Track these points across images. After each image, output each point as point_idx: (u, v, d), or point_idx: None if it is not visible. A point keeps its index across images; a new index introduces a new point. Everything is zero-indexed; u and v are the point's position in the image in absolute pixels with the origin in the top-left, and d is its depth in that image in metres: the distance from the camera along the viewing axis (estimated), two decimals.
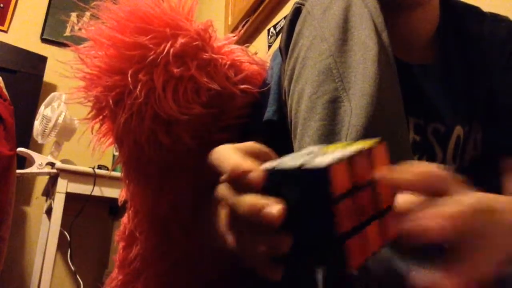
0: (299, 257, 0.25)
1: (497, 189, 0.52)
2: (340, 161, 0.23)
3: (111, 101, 0.48)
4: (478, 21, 0.57)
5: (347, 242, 0.23)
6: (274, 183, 0.25)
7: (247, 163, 0.26)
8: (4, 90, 1.22)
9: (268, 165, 0.26)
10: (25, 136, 2.06)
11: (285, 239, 0.24)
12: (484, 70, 0.54)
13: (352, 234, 0.23)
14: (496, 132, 0.53)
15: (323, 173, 0.22)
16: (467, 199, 0.25)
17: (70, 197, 1.74)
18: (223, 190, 0.28)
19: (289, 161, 0.25)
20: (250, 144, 0.31)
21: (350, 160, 0.23)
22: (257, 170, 0.25)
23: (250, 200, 0.25)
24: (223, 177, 0.27)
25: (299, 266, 0.27)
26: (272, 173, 0.25)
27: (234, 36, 0.57)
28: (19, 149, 1.63)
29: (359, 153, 0.24)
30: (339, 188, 0.22)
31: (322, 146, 0.29)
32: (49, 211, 1.85)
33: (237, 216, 0.26)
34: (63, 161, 1.90)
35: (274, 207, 0.24)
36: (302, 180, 0.23)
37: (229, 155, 0.28)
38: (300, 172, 0.23)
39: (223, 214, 0.30)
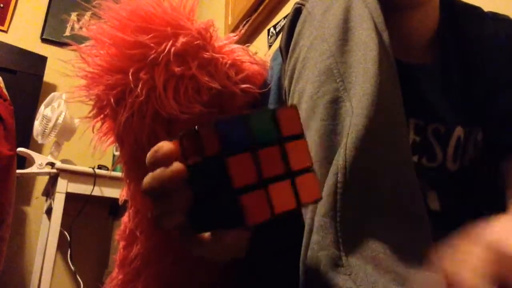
0: (201, 215, 0.26)
1: (498, 190, 0.52)
2: (241, 117, 0.24)
3: (112, 100, 0.48)
4: (478, 20, 0.57)
5: (242, 198, 0.23)
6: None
7: (157, 145, 0.28)
8: (4, 90, 1.22)
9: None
10: (25, 136, 2.06)
11: (185, 193, 0.27)
12: (484, 70, 0.54)
13: (249, 190, 0.23)
14: (496, 132, 0.53)
15: (212, 127, 0.23)
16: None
17: (70, 197, 1.74)
18: (148, 177, 0.29)
19: None
20: None
21: (246, 118, 0.24)
22: (164, 144, 0.28)
23: (158, 170, 0.27)
24: (149, 162, 0.29)
25: (203, 224, 0.28)
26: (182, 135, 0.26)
27: (235, 36, 0.57)
28: (19, 149, 1.63)
29: (259, 112, 0.25)
30: (234, 143, 0.23)
31: None
32: (49, 211, 1.85)
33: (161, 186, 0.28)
34: (63, 161, 1.90)
35: (175, 164, 0.27)
36: (199, 138, 0.24)
37: (156, 147, 0.29)
38: (196, 129, 0.24)
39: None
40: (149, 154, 0.29)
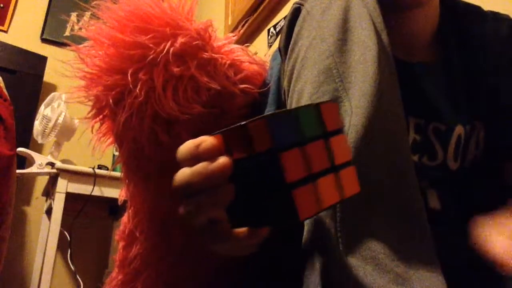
0: (244, 210, 0.26)
1: (498, 189, 0.52)
2: (286, 112, 0.24)
3: (111, 101, 0.48)
4: (479, 20, 0.57)
5: (294, 192, 0.23)
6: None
7: (199, 138, 0.27)
8: (4, 90, 1.22)
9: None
10: (25, 136, 2.06)
11: (228, 189, 0.26)
12: (485, 69, 0.54)
13: (300, 185, 0.24)
14: (498, 131, 0.53)
15: (264, 122, 0.23)
16: None
17: (70, 197, 1.74)
18: (183, 173, 0.28)
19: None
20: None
21: (297, 114, 0.24)
22: (206, 140, 0.27)
23: (201, 164, 0.26)
24: (186, 158, 0.28)
25: (245, 220, 0.28)
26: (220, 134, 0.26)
27: (234, 36, 0.57)
28: (19, 149, 1.63)
29: (306, 107, 0.25)
30: (283, 137, 0.23)
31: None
32: (49, 211, 1.85)
33: (192, 189, 0.27)
34: (63, 161, 1.90)
35: (221, 159, 0.26)
36: (247, 135, 0.24)
37: (188, 143, 0.28)
38: (245, 126, 0.24)
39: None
40: (186, 148, 0.27)
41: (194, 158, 0.27)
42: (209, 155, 0.26)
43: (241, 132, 0.24)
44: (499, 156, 0.53)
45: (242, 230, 0.29)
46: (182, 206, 0.29)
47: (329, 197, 0.25)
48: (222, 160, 0.26)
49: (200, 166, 0.26)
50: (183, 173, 0.28)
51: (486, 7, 0.59)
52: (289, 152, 0.24)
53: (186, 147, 0.27)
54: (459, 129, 0.52)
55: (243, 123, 0.24)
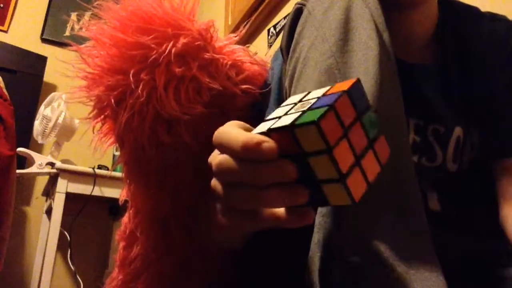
0: (311, 200, 0.27)
1: (494, 193, 0.52)
2: (327, 112, 0.25)
3: (113, 101, 0.48)
4: (476, 21, 0.57)
5: (348, 181, 0.25)
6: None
7: (257, 136, 0.27)
8: (4, 90, 1.22)
9: (260, 128, 0.28)
10: (25, 136, 2.06)
11: (303, 191, 0.26)
12: (483, 70, 0.54)
13: (351, 172, 0.26)
14: (493, 133, 0.54)
15: (316, 127, 0.24)
16: None
17: (70, 197, 1.74)
18: (232, 164, 0.28)
19: (279, 120, 0.27)
20: (242, 123, 0.32)
21: (335, 109, 0.25)
22: (269, 140, 0.26)
23: (270, 166, 0.26)
24: (235, 151, 0.27)
25: (311, 206, 0.29)
26: (269, 134, 0.27)
27: (235, 36, 0.57)
28: (19, 149, 1.63)
29: (341, 97, 0.26)
30: (333, 137, 0.25)
31: (302, 95, 0.30)
32: (49, 211, 1.85)
33: (254, 183, 0.27)
34: (63, 161, 1.90)
35: (289, 166, 0.26)
36: (300, 135, 0.25)
37: (237, 132, 0.28)
38: (295, 128, 0.25)
39: (221, 189, 0.30)
40: (242, 139, 0.26)
41: (251, 153, 0.26)
42: (270, 157, 0.26)
43: (289, 134, 0.26)
44: (493, 158, 0.53)
45: (282, 212, 0.29)
46: (228, 190, 0.29)
47: (372, 171, 0.27)
48: (291, 167, 0.26)
49: (268, 168, 0.26)
50: (232, 164, 0.27)
51: (486, 7, 0.60)
52: (340, 146, 0.25)
53: (238, 138, 0.27)
54: (458, 131, 0.52)
55: (290, 126, 0.25)
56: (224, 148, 0.28)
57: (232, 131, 0.28)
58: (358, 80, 0.28)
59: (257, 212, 0.29)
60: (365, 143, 0.27)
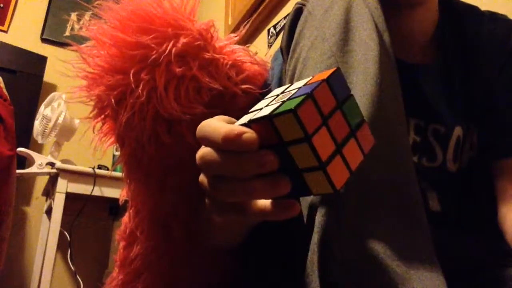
0: (294, 190, 0.27)
1: (493, 193, 0.52)
2: (304, 100, 0.25)
3: (113, 100, 0.48)
4: (477, 21, 0.57)
5: (328, 168, 0.25)
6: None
7: (238, 128, 0.27)
8: (4, 90, 1.22)
9: (242, 120, 0.28)
10: (25, 136, 2.06)
11: (285, 181, 0.27)
12: (483, 70, 0.54)
13: (331, 159, 0.26)
14: (493, 133, 0.54)
15: (293, 115, 0.24)
16: None
17: (70, 197, 1.74)
18: (214, 157, 0.28)
19: (260, 112, 0.28)
20: (227, 117, 0.32)
21: (313, 97, 0.26)
22: (249, 131, 0.27)
23: (251, 157, 0.27)
24: (217, 143, 0.28)
25: (294, 197, 0.29)
26: (250, 125, 0.27)
27: (235, 36, 0.57)
28: (19, 149, 1.63)
29: (319, 86, 0.26)
30: (311, 125, 0.25)
31: (285, 87, 0.31)
32: (49, 211, 1.85)
33: (236, 175, 0.28)
34: (63, 161, 1.90)
35: (270, 156, 0.26)
36: (278, 125, 0.26)
37: (219, 124, 0.28)
38: (273, 118, 0.26)
39: (206, 180, 0.30)
40: (221, 130, 0.27)
41: (232, 145, 0.27)
42: (250, 148, 0.26)
43: (267, 124, 0.26)
44: (488, 156, 0.53)
45: (267, 204, 0.29)
46: (213, 184, 0.29)
47: (355, 159, 0.28)
48: (271, 157, 0.26)
49: (249, 158, 0.27)
50: (214, 156, 0.28)
51: (486, 7, 0.60)
52: (319, 134, 0.25)
53: (218, 130, 0.27)
54: (458, 131, 0.52)
55: (268, 116, 0.26)
56: (206, 141, 0.29)
57: (214, 124, 0.29)
58: (338, 69, 0.28)
59: (243, 205, 0.30)
60: (346, 131, 0.27)
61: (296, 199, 0.30)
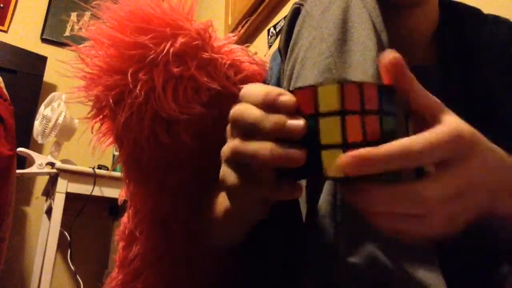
0: (306, 168, 0.28)
1: None
2: (353, 83, 0.26)
3: (111, 101, 0.48)
4: (478, 22, 0.57)
5: (349, 152, 0.26)
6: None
7: (279, 89, 0.28)
8: (4, 90, 1.22)
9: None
10: (25, 136, 2.06)
11: (302, 151, 0.27)
12: (483, 71, 0.54)
13: (354, 147, 0.26)
14: (494, 135, 0.53)
15: (339, 87, 0.26)
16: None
17: (70, 197, 1.74)
18: (251, 108, 0.29)
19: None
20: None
21: (361, 85, 0.27)
22: (289, 94, 0.27)
23: (277, 116, 0.27)
24: (257, 100, 0.29)
25: (305, 176, 0.30)
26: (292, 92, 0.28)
27: (234, 36, 0.57)
28: (19, 149, 1.63)
29: (370, 84, 0.28)
30: (350, 104, 0.26)
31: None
32: (49, 211, 1.86)
33: (267, 130, 0.28)
34: (63, 161, 1.91)
35: (298, 120, 0.27)
36: (321, 94, 0.27)
37: (261, 86, 0.29)
38: (318, 87, 0.27)
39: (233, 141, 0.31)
40: (261, 91, 0.28)
41: (269, 105, 0.28)
42: (286, 110, 0.27)
43: (315, 93, 0.27)
44: None
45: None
46: (243, 138, 0.29)
47: None
48: (302, 122, 0.27)
49: (279, 118, 0.27)
50: (251, 111, 0.28)
51: (486, 7, 0.59)
52: (354, 117, 0.26)
53: (261, 90, 0.29)
54: None
55: (314, 85, 0.27)
56: (247, 98, 0.30)
57: (258, 85, 0.30)
58: (394, 87, 0.29)
59: (258, 176, 0.30)
60: (376, 137, 0.28)
61: (304, 179, 0.30)
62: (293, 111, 0.27)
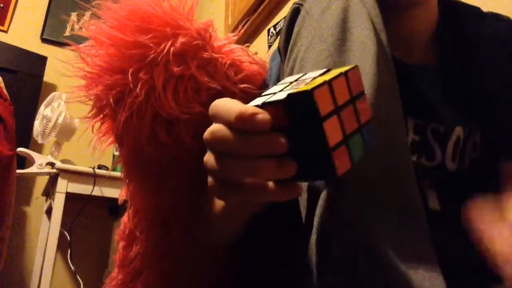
0: (297, 174, 0.28)
1: (497, 191, 0.52)
2: (322, 85, 0.26)
3: (111, 100, 0.48)
4: (477, 21, 0.57)
5: (333, 154, 0.26)
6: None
7: (252, 108, 0.27)
8: (4, 90, 1.22)
9: (255, 102, 0.29)
10: (25, 136, 2.06)
11: (292, 163, 0.27)
12: (483, 70, 0.54)
13: (337, 147, 0.27)
14: (494, 133, 0.53)
15: (309, 97, 0.25)
16: None
17: (70, 197, 1.74)
18: (226, 133, 0.28)
19: (273, 96, 0.29)
20: (237, 101, 0.33)
21: (330, 84, 0.27)
22: (263, 112, 0.27)
23: (262, 137, 0.27)
24: (230, 121, 0.28)
25: (297, 181, 0.30)
26: (264, 107, 0.28)
27: (234, 36, 0.57)
28: (19, 149, 1.63)
29: (337, 77, 0.27)
30: (325, 109, 0.26)
31: (298, 75, 0.32)
32: (49, 211, 1.85)
33: (245, 153, 0.28)
34: (63, 161, 1.91)
35: (281, 139, 0.27)
36: (293, 107, 0.27)
37: (233, 103, 0.29)
38: (289, 100, 0.26)
39: (213, 159, 0.31)
40: (237, 110, 0.27)
41: (245, 124, 0.27)
42: (263, 128, 0.27)
43: (284, 108, 0.27)
44: (496, 158, 0.53)
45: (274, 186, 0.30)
46: (219, 161, 0.29)
47: (358, 153, 0.29)
48: (282, 139, 0.27)
49: (260, 139, 0.27)
50: (226, 133, 0.28)
51: (486, 7, 0.59)
52: (331, 119, 0.26)
53: (232, 108, 0.28)
54: (458, 131, 0.52)
55: (284, 99, 0.27)
56: (219, 118, 0.29)
57: (228, 102, 0.29)
58: (356, 67, 0.29)
59: (246, 185, 0.30)
60: (355, 126, 0.28)
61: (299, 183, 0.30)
62: (269, 129, 0.27)
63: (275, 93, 0.29)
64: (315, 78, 0.29)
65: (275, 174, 0.27)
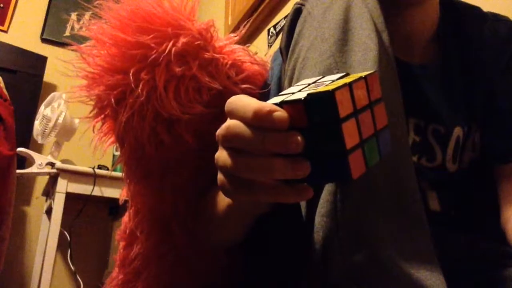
0: (311, 175, 0.28)
1: (494, 194, 0.52)
2: (343, 86, 0.26)
3: (113, 100, 0.48)
4: (478, 21, 0.57)
5: (350, 157, 0.26)
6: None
7: (270, 105, 0.27)
8: (4, 90, 1.22)
9: (274, 100, 0.28)
10: (25, 136, 2.06)
11: (306, 163, 0.27)
12: (483, 71, 0.54)
13: (354, 150, 0.27)
14: (493, 134, 0.54)
15: (330, 97, 0.25)
16: None
17: (70, 197, 1.74)
18: (242, 129, 0.28)
19: (292, 95, 0.28)
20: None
21: (350, 87, 0.27)
22: (281, 110, 0.27)
23: (279, 135, 0.27)
24: (247, 117, 0.28)
25: (310, 182, 0.30)
26: (281, 106, 0.28)
27: (235, 36, 0.57)
28: (19, 149, 1.63)
29: (357, 80, 0.27)
30: (344, 109, 0.26)
31: (317, 77, 0.32)
32: (49, 211, 1.85)
33: (260, 151, 0.28)
34: (63, 161, 1.91)
35: (298, 137, 0.26)
36: (313, 106, 0.26)
37: (250, 100, 0.28)
38: (309, 99, 0.26)
39: (225, 155, 0.30)
40: (253, 107, 0.27)
41: (264, 121, 0.27)
42: (280, 126, 0.27)
43: (304, 107, 0.27)
44: (494, 159, 0.53)
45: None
46: (233, 157, 0.29)
47: (373, 158, 0.29)
48: (299, 138, 0.26)
49: (277, 136, 0.27)
50: (242, 129, 0.28)
51: (486, 7, 0.59)
52: (349, 121, 0.26)
53: (250, 105, 0.27)
54: (457, 131, 0.52)
55: (303, 98, 0.26)
56: (235, 114, 0.29)
57: (245, 99, 0.29)
58: (376, 72, 0.29)
59: (258, 184, 0.29)
60: (372, 131, 0.28)
61: (311, 185, 0.30)
62: (286, 127, 0.27)
63: (293, 93, 0.29)
64: (334, 81, 0.29)
65: (289, 173, 0.27)
